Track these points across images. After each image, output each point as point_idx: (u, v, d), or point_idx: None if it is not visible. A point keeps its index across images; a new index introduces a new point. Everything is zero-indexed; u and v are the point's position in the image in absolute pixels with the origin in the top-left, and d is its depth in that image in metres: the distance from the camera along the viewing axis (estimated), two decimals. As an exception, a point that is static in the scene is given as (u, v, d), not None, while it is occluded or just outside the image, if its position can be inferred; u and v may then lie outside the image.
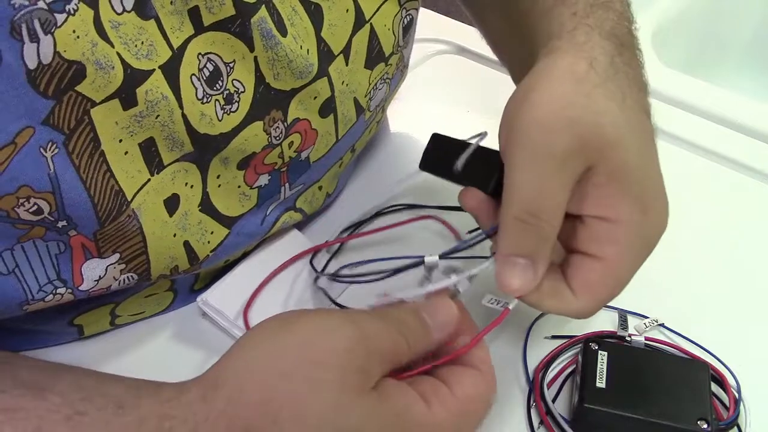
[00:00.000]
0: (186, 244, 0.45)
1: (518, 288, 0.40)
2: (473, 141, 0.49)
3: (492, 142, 0.48)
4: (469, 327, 0.42)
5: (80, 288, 0.42)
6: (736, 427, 0.46)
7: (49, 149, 0.36)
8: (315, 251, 0.55)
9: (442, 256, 0.45)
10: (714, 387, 0.47)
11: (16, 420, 0.35)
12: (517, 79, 0.48)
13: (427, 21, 0.76)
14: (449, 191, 0.50)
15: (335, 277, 0.51)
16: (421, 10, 0.73)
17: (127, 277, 0.44)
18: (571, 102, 0.38)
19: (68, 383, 0.37)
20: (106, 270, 0.42)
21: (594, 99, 0.38)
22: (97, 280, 0.42)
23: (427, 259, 0.45)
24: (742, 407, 0.47)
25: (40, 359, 0.43)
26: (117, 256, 0.42)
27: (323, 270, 0.53)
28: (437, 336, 0.40)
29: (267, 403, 0.35)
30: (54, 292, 0.41)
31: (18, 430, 0.34)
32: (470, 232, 0.55)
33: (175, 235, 0.44)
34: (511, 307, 0.41)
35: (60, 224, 0.38)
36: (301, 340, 0.37)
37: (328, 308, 0.50)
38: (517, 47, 0.48)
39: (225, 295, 0.51)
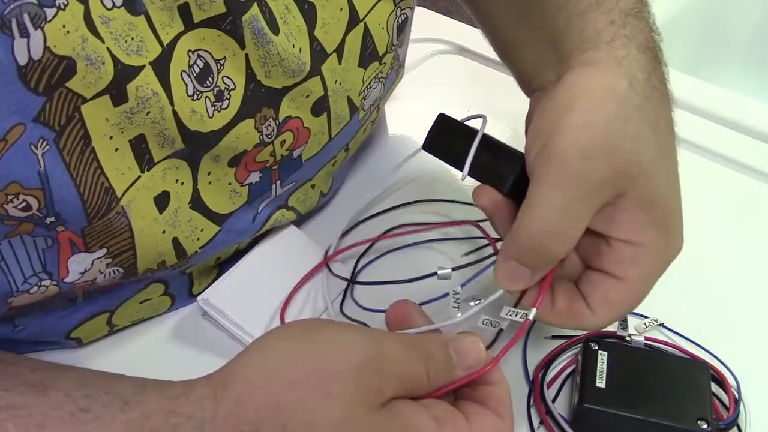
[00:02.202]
0: (175, 240, 0.45)
1: (511, 289, 0.41)
2: (473, 126, 0.48)
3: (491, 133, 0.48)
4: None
5: (65, 280, 0.42)
6: (736, 427, 0.46)
7: (40, 146, 0.36)
8: (330, 259, 0.54)
9: (455, 269, 0.45)
10: (714, 387, 0.47)
11: (18, 417, 0.35)
12: (527, 81, 0.47)
13: (427, 21, 0.76)
14: (449, 188, 0.50)
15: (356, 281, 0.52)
16: (422, 9, 0.73)
17: (113, 270, 0.44)
18: (611, 127, 0.38)
19: (72, 381, 0.37)
20: (92, 263, 0.42)
21: (632, 123, 0.38)
22: (83, 273, 0.42)
23: (440, 272, 0.45)
24: (742, 407, 0.47)
25: (44, 360, 0.43)
26: (104, 251, 0.42)
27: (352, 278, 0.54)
28: (460, 374, 0.40)
29: (277, 408, 0.35)
30: (39, 284, 0.41)
31: (21, 427, 0.34)
32: (466, 254, 0.55)
33: (164, 232, 0.44)
34: (531, 317, 0.41)
35: (48, 220, 0.38)
36: (317, 350, 0.37)
37: (352, 323, 0.50)
38: (534, 48, 0.47)
39: (226, 294, 0.51)
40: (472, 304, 0.42)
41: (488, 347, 0.40)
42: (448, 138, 0.48)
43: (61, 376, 0.38)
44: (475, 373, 0.40)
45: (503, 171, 0.44)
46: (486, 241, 0.55)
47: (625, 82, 0.39)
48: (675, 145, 0.42)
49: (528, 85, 0.47)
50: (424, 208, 0.60)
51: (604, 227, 0.41)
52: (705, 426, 0.44)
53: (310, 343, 0.37)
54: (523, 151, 0.43)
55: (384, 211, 0.60)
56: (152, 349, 0.51)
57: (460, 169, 0.46)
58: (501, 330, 0.41)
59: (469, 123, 0.49)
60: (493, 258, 0.44)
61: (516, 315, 0.41)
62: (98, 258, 0.42)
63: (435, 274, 0.45)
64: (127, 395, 0.36)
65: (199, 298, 0.51)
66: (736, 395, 0.47)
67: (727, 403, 0.47)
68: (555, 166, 0.38)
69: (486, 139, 0.46)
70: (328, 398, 0.35)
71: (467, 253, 0.55)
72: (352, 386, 0.36)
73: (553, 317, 0.43)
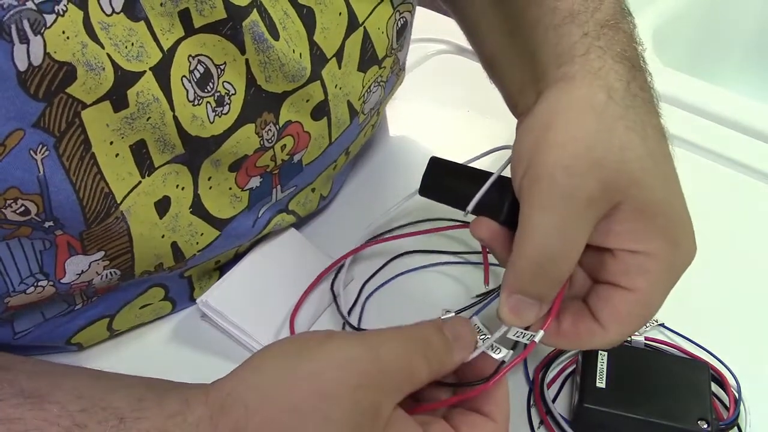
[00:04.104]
0: (173, 244, 0.45)
1: (519, 324, 0.40)
2: (474, 164, 0.48)
3: (486, 164, 0.48)
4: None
5: (62, 281, 0.42)
6: (736, 427, 0.46)
7: (40, 152, 0.36)
8: (336, 265, 0.54)
9: (458, 312, 0.44)
10: (714, 387, 0.47)
11: (13, 431, 0.34)
12: (514, 103, 0.46)
13: (427, 21, 0.76)
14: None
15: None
16: (422, 10, 0.72)
17: (110, 272, 0.44)
18: (595, 141, 0.37)
19: (68, 392, 0.37)
20: (90, 265, 0.42)
21: (616, 134, 0.37)
22: (80, 274, 0.42)
23: (443, 318, 0.44)
24: (742, 407, 0.47)
25: (41, 360, 0.43)
26: (102, 253, 0.42)
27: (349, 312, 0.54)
28: (458, 356, 0.39)
29: None
30: (35, 284, 0.41)
31: None
32: (478, 296, 0.54)
33: (163, 236, 0.44)
34: (537, 339, 0.40)
35: (46, 225, 0.38)
36: (315, 370, 0.36)
37: (348, 333, 0.50)
38: (518, 66, 0.45)
39: (225, 296, 0.51)
40: (479, 339, 0.41)
41: (488, 378, 0.40)
42: (443, 180, 0.47)
43: (57, 386, 0.37)
44: (475, 390, 0.39)
45: (496, 200, 0.43)
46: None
47: (603, 93, 0.38)
48: (668, 150, 0.40)
49: (515, 108, 0.46)
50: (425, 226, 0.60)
51: (604, 240, 0.39)
52: (705, 426, 0.44)
53: (307, 362, 0.36)
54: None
55: (388, 232, 0.59)
56: (152, 351, 0.51)
57: (459, 208, 0.46)
58: (503, 362, 0.40)
59: (492, 154, 0.48)
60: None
61: (523, 336, 0.40)
62: (95, 260, 0.42)
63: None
64: (124, 411, 0.36)
65: (198, 300, 0.51)
66: (736, 395, 0.47)
67: (727, 403, 0.47)
68: (542, 188, 0.37)
69: (482, 174, 0.45)
70: (326, 423, 0.34)
71: (478, 296, 0.54)
72: (352, 409, 0.35)
73: (560, 339, 0.42)
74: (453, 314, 0.43)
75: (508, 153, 0.45)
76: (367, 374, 0.36)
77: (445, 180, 0.47)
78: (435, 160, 0.48)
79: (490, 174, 0.45)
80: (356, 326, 0.53)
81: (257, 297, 0.52)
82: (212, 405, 0.36)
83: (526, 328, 0.41)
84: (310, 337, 0.38)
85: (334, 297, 0.53)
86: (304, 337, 0.39)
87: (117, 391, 0.37)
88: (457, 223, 0.56)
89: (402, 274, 0.56)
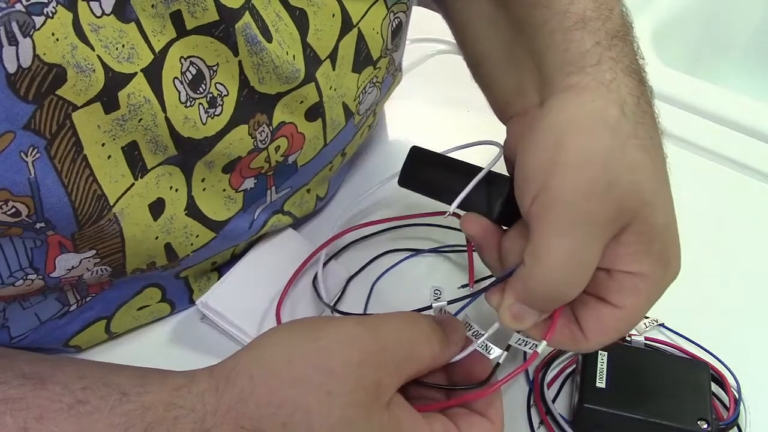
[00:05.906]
0: (167, 245, 0.45)
1: (519, 328, 0.40)
2: (453, 155, 0.47)
3: (474, 159, 0.47)
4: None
5: (51, 275, 0.42)
6: (736, 427, 0.46)
7: (30, 154, 0.36)
8: (319, 251, 0.54)
9: (450, 302, 0.44)
10: (714, 387, 0.47)
11: (17, 410, 0.35)
12: (503, 103, 0.45)
13: (427, 21, 0.76)
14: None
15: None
16: (421, 10, 0.72)
17: (101, 269, 0.44)
18: (609, 161, 0.36)
19: (69, 373, 0.37)
20: (80, 262, 0.42)
21: (628, 153, 0.37)
22: (70, 270, 0.42)
23: (435, 305, 0.44)
24: (742, 407, 0.47)
25: (40, 354, 0.43)
26: (93, 252, 0.42)
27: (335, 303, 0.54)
28: (454, 347, 0.41)
29: (278, 406, 0.36)
30: (24, 278, 0.41)
31: (19, 420, 0.35)
32: (463, 287, 0.54)
33: (157, 238, 0.44)
34: (539, 350, 0.40)
35: (38, 226, 0.38)
36: (318, 348, 0.37)
37: (352, 316, 0.50)
38: (516, 65, 0.44)
39: (224, 297, 0.51)
40: (469, 335, 0.41)
41: (484, 382, 0.40)
42: (425, 171, 0.47)
43: (58, 369, 0.38)
44: (473, 395, 0.40)
45: (490, 196, 0.43)
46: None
47: (616, 108, 0.37)
48: (666, 169, 0.40)
49: (504, 108, 0.45)
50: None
51: (605, 262, 0.39)
52: (705, 426, 0.44)
53: (312, 341, 0.37)
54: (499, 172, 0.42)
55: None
56: (151, 353, 0.51)
57: (440, 200, 0.45)
58: (498, 365, 0.40)
59: (479, 146, 0.47)
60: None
61: (525, 345, 0.40)
62: (86, 257, 0.42)
63: (429, 307, 0.44)
64: (127, 387, 0.37)
65: (197, 301, 0.51)
66: (736, 395, 0.47)
67: (727, 403, 0.47)
68: (558, 212, 0.36)
69: (464, 165, 0.45)
70: (328, 398, 0.35)
71: (464, 286, 0.53)
72: (353, 385, 0.36)
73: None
74: (444, 303, 0.43)
75: (493, 148, 0.45)
76: (369, 352, 0.37)
77: (428, 171, 0.46)
78: (416, 149, 0.48)
79: (473, 166, 0.44)
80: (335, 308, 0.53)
81: (257, 297, 0.52)
82: (218, 377, 0.37)
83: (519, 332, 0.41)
84: (315, 319, 0.40)
85: (317, 292, 0.53)
86: (310, 319, 0.40)
87: (119, 372, 0.38)
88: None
89: (389, 269, 0.56)
